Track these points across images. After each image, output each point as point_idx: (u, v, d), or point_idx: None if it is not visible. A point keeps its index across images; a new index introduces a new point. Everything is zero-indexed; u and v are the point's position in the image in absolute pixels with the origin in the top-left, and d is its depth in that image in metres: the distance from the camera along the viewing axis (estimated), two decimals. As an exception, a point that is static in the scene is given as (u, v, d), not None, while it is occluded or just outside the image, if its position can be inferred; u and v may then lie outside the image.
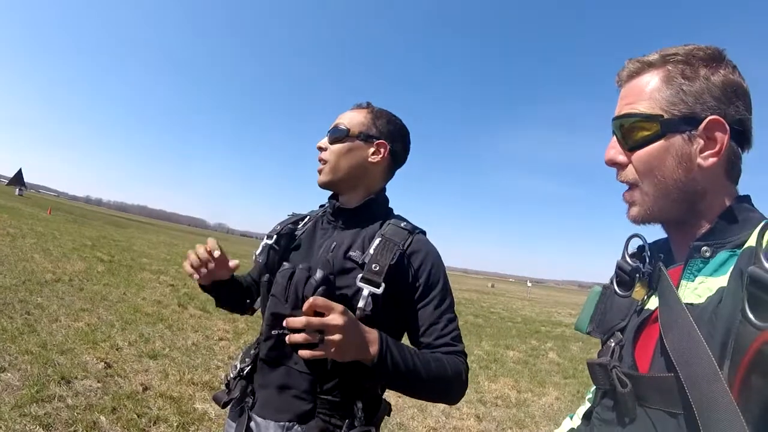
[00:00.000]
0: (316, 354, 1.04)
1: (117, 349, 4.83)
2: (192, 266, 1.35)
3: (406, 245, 1.27)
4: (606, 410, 0.86)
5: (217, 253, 1.34)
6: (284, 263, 1.07)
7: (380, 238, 1.26)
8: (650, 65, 0.83)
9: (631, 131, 0.83)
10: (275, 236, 1.41)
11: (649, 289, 0.87)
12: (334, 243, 1.32)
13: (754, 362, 0.58)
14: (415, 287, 1.27)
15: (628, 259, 0.92)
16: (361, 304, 1.17)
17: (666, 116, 0.79)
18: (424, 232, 1.37)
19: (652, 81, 0.82)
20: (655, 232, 0.91)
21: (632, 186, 0.85)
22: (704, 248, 0.78)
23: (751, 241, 0.69)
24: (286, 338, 1.06)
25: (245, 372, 1.31)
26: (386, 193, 1.46)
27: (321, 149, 1.39)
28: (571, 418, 1.14)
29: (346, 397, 1.19)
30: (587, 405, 1.07)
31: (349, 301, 1.22)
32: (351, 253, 1.28)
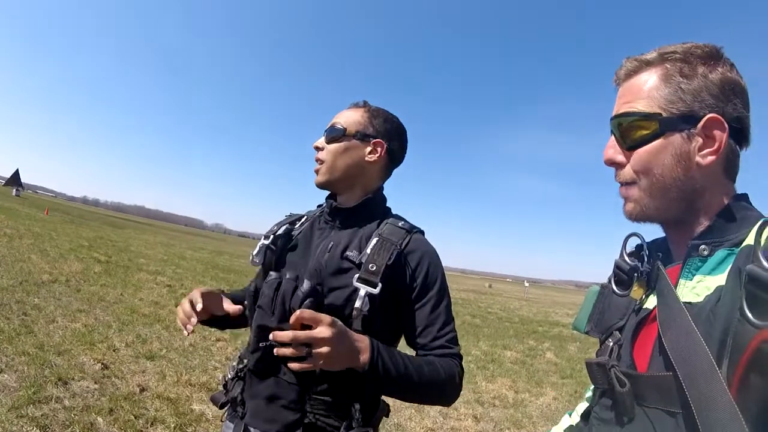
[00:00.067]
0: (305, 367, 1.03)
1: (114, 350, 4.82)
2: (182, 323, 1.32)
3: (403, 245, 1.26)
4: (604, 409, 0.86)
5: (199, 307, 1.27)
6: (271, 273, 1.05)
7: (377, 238, 1.26)
8: (648, 64, 0.83)
9: (630, 130, 0.82)
10: (272, 237, 1.40)
11: (648, 289, 0.87)
12: (331, 243, 1.31)
13: (753, 360, 0.58)
14: (412, 287, 1.26)
15: (626, 258, 0.92)
16: (358, 304, 1.17)
17: (665, 115, 0.79)
18: (422, 232, 1.36)
19: (650, 79, 0.82)
20: (653, 232, 0.91)
21: (630, 184, 0.84)
22: (702, 247, 0.78)
23: (749, 240, 0.69)
24: (274, 351, 1.05)
25: (243, 373, 1.31)
26: (384, 193, 1.45)
27: (318, 149, 1.38)
28: (570, 415, 1.14)
29: (342, 397, 1.18)
30: (586, 403, 1.07)
31: (346, 301, 1.22)
32: (348, 252, 1.27)
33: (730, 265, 0.70)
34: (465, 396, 5.52)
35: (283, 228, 1.43)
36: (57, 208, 43.16)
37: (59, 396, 3.46)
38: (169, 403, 3.78)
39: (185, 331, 1.26)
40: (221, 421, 1.34)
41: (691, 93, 0.78)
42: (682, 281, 0.79)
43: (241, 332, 6.74)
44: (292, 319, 1.00)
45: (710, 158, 0.77)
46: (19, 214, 22.58)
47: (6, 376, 3.60)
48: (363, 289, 1.17)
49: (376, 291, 1.17)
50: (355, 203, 1.37)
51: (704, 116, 0.77)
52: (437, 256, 1.33)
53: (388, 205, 1.45)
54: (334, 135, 1.36)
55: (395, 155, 1.43)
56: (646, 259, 0.89)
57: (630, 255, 0.93)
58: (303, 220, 1.48)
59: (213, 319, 1.36)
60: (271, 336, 1.02)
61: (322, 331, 1.01)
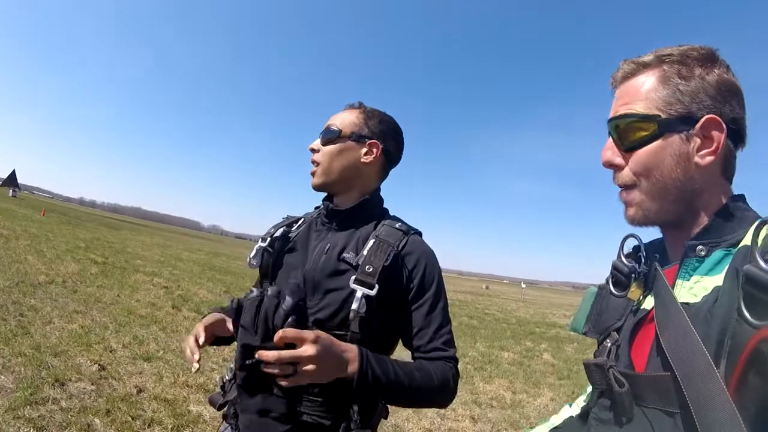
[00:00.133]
0: (292, 383, 1.03)
1: (111, 351, 4.81)
2: (188, 360, 1.31)
3: (400, 246, 1.26)
4: (603, 410, 0.86)
5: (201, 341, 1.29)
6: (252, 289, 1.04)
7: (374, 240, 1.26)
8: (645, 66, 0.84)
9: (628, 132, 0.83)
10: (269, 239, 1.40)
11: (645, 289, 0.87)
12: (328, 245, 1.31)
13: (751, 360, 0.58)
14: (409, 289, 1.26)
15: (623, 260, 0.92)
16: (354, 306, 1.17)
17: (663, 116, 0.79)
18: (419, 233, 1.36)
19: (647, 81, 0.82)
20: (650, 232, 0.91)
21: (630, 187, 0.84)
22: (699, 247, 0.78)
23: (747, 240, 0.69)
24: (261, 367, 1.04)
25: (232, 386, 1.29)
26: (381, 194, 1.45)
27: (313, 151, 1.38)
28: (570, 405, 1.15)
29: (336, 397, 1.17)
30: (586, 396, 1.07)
31: (343, 303, 1.22)
32: (345, 254, 1.27)
33: (728, 266, 0.71)
34: (462, 397, 5.52)
35: (280, 230, 1.43)
36: (53, 209, 43.06)
37: (56, 397, 3.45)
38: (166, 405, 3.77)
39: (192, 368, 1.27)
40: (220, 422, 1.33)
41: (689, 94, 0.79)
42: (679, 282, 0.80)
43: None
44: (276, 338, 1.00)
45: (709, 158, 0.78)
46: (15, 215, 22.52)
47: (3, 377, 3.58)
48: (360, 291, 1.17)
49: (372, 292, 1.16)
50: (352, 205, 1.37)
51: (702, 117, 0.77)
52: (434, 257, 1.32)
53: (385, 206, 1.45)
54: (330, 137, 1.35)
55: (391, 156, 1.43)
56: (643, 260, 0.90)
57: (627, 256, 0.93)
58: (300, 222, 1.48)
59: (220, 338, 1.37)
60: (256, 354, 1.02)
61: (307, 349, 1.00)
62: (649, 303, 0.84)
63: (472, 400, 5.60)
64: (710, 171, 0.80)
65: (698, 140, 0.78)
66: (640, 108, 0.81)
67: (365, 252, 1.23)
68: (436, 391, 1.20)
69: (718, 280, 0.72)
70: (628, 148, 0.83)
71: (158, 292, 9.05)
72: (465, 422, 4.75)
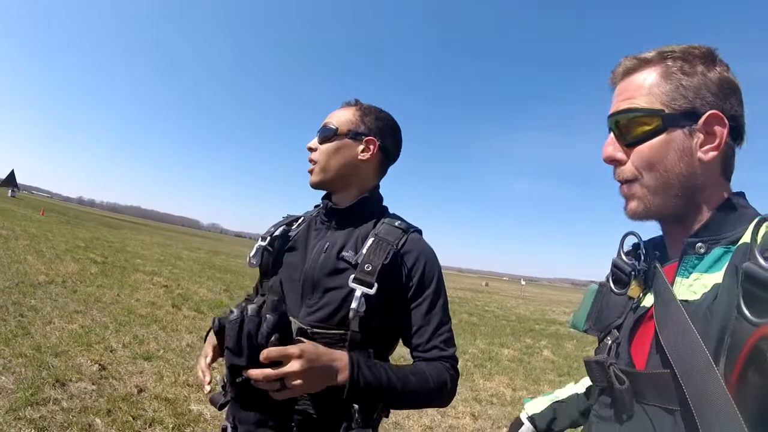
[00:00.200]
0: (283, 396, 1.03)
1: (111, 351, 4.80)
2: (201, 382, 1.33)
3: (399, 244, 1.26)
4: (604, 407, 0.86)
5: (208, 360, 1.32)
6: (232, 309, 1.04)
7: (373, 238, 1.25)
8: (647, 62, 0.83)
9: (631, 127, 0.82)
10: (269, 238, 1.40)
11: (645, 287, 0.87)
12: (327, 243, 1.31)
13: (750, 358, 0.59)
14: (408, 287, 1.26)
15: (623, 257, 0.92)
16: (354, 305, 1.16)
17: (667, 111, 0.79)
18: (419, 231, 1.35)
19: (650, 77, 0.82)
20: (650, 230, 0.91)
21: (631, 181, 0.84)
22: (699, 245, 0.78)
23: (746, 238, 0.69)
24: (252, 382, 1.03)
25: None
26: (380, 192, 1.45)
27: (311, 149, 1.38)
28: (576, 383, 1.16)
29: (333, 397, 1.17)
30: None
31: (342, 302, 1.22)
32: (344, 253, 1.27)
33: (727, 263, 0.71)
34: (463, 394, 5.53)
35: (280, 229, 1.43)
36: (53, 209, 43.00)
37: (57, 397, 3.45)
38: (167, 404, 3.77)
39: (204, 390, 1.27)
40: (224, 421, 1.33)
41: (693, 90, 0.79)
42: (678, 279, 0.80)
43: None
44: (261, 358, 1.00)
45: (712, 154, 0.78)
46: (14, 215, 22.49)
47: (3, 378, 3.58)
48: (359, 290, 1.17)
49: (372, 291, 1.16)
50: (351, 203, 1.37)
51: (705, 113, 0.77)
52: (434, 255, 1.32)
53: (385, 204, 1.45)
54: (327, 135, 1.35)
55: (389, 152, 1.42)
56: (643, 257, 0.90)
57: (627, 254, 0.93)
58: (300, 221, 1.48)
59: None
60: (244, 373, 1.02)
61: (292, 365, 1.00)
62: (648, 300, 0.84)
63: (473, 397, 5.61)
64: (712, 167, 0.80)
65: (701, 136, 0.78)
66: (643, 103, 0.81)
67: (364, 250, 1.23)
68: (432, 394, 1.20)
69: (717, 277, 0.72)
70: (630, 142, 0.83)
71: (158, 291, 9.04)
72: (465, 419, 4.75)
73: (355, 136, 1.35)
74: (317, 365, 1.04)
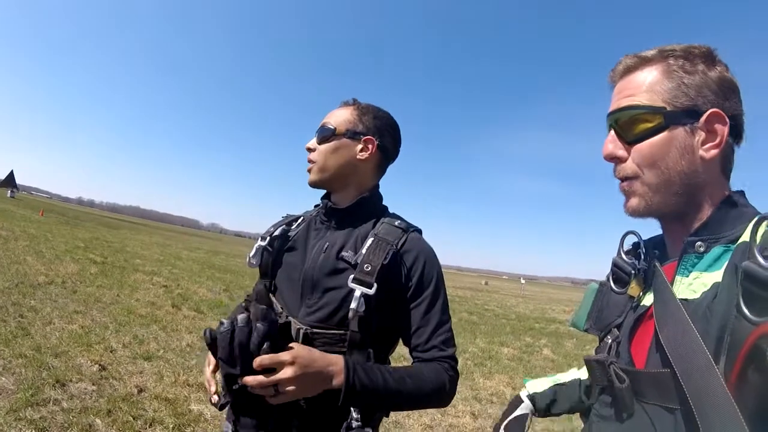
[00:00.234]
0: (279, 401, 1.04)
1: (111, 351, 4.80)
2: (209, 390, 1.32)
3: (399, 244, 1.25)
4: (604, 406, 0.86)
5: (211, 367, 1.32)
6: (222, 321, 1.05)
7: (373, 238, 1.25)
8: (648, 60, 0.84)
9: (632, 124, 0.82)
10: (269, 238, 1.40)
11: (645, 286, 0.87)
12: (327, 243, 1.31)
13: (750, 356, 0.59)
14: (407, 287, 1.25)
15: (623, 256, 0.92)
16: (353, 305, 1.16)
17: (669, 108, 0.79)
18: (419, 231, 1.35)
19: (651, 75, 0.82)
20: (650, 229, 0.91)
21: (632, 178, 0.84)
22: (698, 243, 0.78)
23: (745, 236, 0.69)
24: (248, 389, 1.05)
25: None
26: (380, 191, 1.44)
27: (310, 150, 1.38)
28: (579, 369, 1.16)
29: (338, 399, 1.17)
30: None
31: (342, 302, 1.22)
32: (344, 253, 1.27)
33: (727, 262, 0.71)
34: (463, 393, 5.53)
35: (280, 229, 1.43)
36: (52, 209, 42.97)
37: (57, 398, 3.45)
38: (167, 404, 3.77)
39: (213, 399, 1.28)
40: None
41: (694, 88, 0.79)
42: (678, 278, 0.80)
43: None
44: (254, 365, 1.01)
45: (713, 152, 0.78)
46: (14, 215, 22.48)
47: (3, 378, 3.58)
48: (358, 290, 1.16)
49: (371, 292, 1.16)
50: (350, 203, 1.36)
51: (707, 111, 0.78)
52: (434, 255, 1.32)
53: (385, 203, 1.44)
54: (325, 135, 1.35)
55: (388, 151, 1.42)
56: (642, 256, 0.90)
57: (627, 253, 0.93)
58: (300, 220, 1.48)
59: None
60: (239, 381, 1.04)
61: (285, 372, 1.01)
62: (648, 299, 0.84)
63: (473, 396, 5.61)
64: (713, 165, 0.80)
65: (703, 134, 0.78)
66: (644, 100, 0.81)
67: (364, 250, 1.23)
68: (430, 395, 1.19)
69: (717, 276, 0.72)
70: (631, 140, 0.83)
71: (158, 291, 9.03)
72: (465, 418, 4.76)
73: (353, 135, 1.35)
74: (310, 371, 1.05)
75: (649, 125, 0.80)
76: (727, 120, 0.77)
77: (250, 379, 1.02)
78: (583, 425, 1.00)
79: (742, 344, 0.60)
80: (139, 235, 30.88)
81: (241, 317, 1.03)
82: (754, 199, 0.82)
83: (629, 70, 0.86)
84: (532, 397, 1.25)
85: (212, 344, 1.04)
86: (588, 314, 1.01)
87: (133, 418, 3.39)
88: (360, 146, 1.36)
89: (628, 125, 0.83)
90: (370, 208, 1.38)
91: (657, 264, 0.85)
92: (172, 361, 4.92)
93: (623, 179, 0.85)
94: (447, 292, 1.33)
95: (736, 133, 0.82)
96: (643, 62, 0.84)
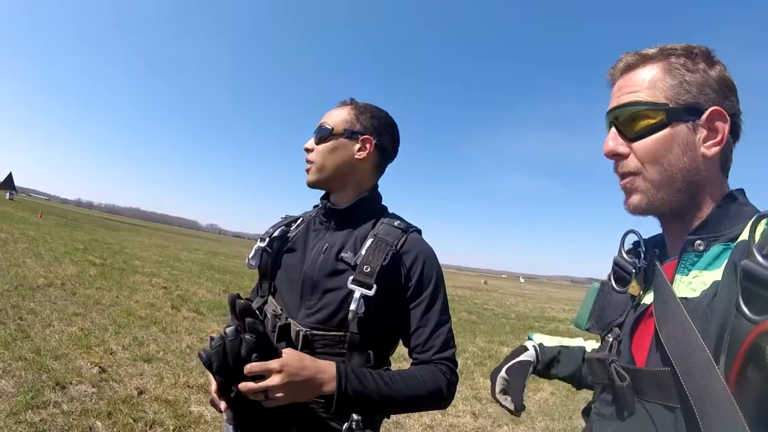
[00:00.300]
0: (271, 405, 1.05)
1: (111, 353, 4.80)
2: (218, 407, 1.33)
3: (399, 245, 1.25)
4: (605, 405, 0.86)
5: (215, 386, 1.33)
6: (212, 337, 1.07)
7: (372, 239, 1.25)
8: (649, 58, 0.84)
9: (634, 120, 0.82)
10: (268, 239, 1.40)
11: (645, 285, 0.87)
12: (326, 244, 1.31)
13: (749, 355, 0.59)
14: (407, 287, 1.25)
15: (624, 255, 0.92)
16: (353, 306, 1.15)
17: (671, 105, 0.80)
18: (419, 231, 1.35)
19: (652, 72, 0.83)
20: (650, 228, 0.92)
21: (634, 175, 0.84)
22: (698, 242, 0.79)
23: (744, 235, 0.70)
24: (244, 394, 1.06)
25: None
26: (379, 191, 1.44)
27: (308, 150, 1.37)
28: (585, 340, 1.16)
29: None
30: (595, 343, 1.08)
31: (341, 303, 1.21)
32: (343, 254, 1.26)
33: (726, 261, 0.71)
34: (463, 393, 5.54)
35: (279, 230, 1.42)
36: (51, 211, 42.94)
37: (57, 401, 3.45)
38: (167, 406, 3.77)
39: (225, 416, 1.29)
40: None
41: (696, 86, 0.79)
42: (678, 277, 0.80)
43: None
44: (245, 372, 1.03)
45: (714, 149, 0.79)
46: (12, 217, 22.46)
47: (3, 381, 3.58)
48: (358, 291, 1.16)
49: (370, 293, 1.16)
50: (349, 203, 1.36)
51: (708, 108, 0.78)
52: (433, 255, 1.31)
53: (384, 203, 1.44)
54: (323, 135, 1.35)
55: (386, 151, 1.42)
56: (643, 255, 0.90)
57: (628, 252, 0.93)
58: (299, 221, 1.47)
59: None
60: (234, 388, 1.06)
61: (273, 379, 1.02)
62: (649, 298, 0.85)
63: (473, 395, 5.61)
64: (713, 163, 0.81)
65: (704, 131, 0.79)
66: (646, 96, 0.81)
67: (363, 251, 1.22)
68: (427, 399, 1.19)
69: (716, 274, 0.72)
70: (633, 137, 0.83)
71: (157, 293, 9.03)
72: (466, 417, 4.76)
73: (351, 135, 1.35)
74: (298, 378, 1.05)
75: (652, 122, 0.81)
76: (728, 118, 0.78)
77: (241, 386, 1.04)
78: (585, 425, 1.00)
79: (742, 342, 0.60)
80: (138, 237, 30.87)
81: (229, 330, 1.05)
82: (753, 198, 0.82)
83: (630, 67, 0.86)
84: (537, 348, 1.24)
85: (208, 362, 1.07)
86: (590, 313, 1.02)
87: (134, 420, 3.39)
88: (358, 146, 1.35)
89: (630, 122, 0.83)
90: (370, 208, 1.38)
91: (657, 263, 0.85)
92: (172, 362, 4.91)
93: (625, 176, 0.85)
94: (447, 292, 1.33)
95: (734, 131, 0.82)
96: (645, 60, 0.84)
